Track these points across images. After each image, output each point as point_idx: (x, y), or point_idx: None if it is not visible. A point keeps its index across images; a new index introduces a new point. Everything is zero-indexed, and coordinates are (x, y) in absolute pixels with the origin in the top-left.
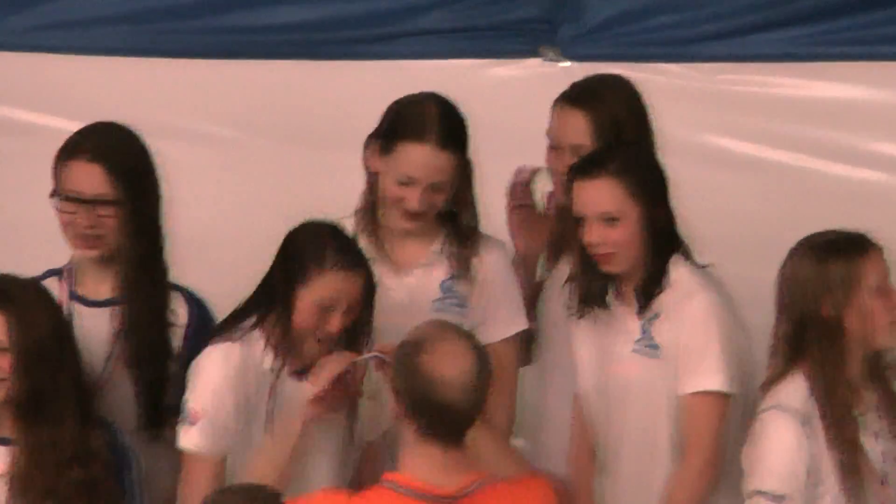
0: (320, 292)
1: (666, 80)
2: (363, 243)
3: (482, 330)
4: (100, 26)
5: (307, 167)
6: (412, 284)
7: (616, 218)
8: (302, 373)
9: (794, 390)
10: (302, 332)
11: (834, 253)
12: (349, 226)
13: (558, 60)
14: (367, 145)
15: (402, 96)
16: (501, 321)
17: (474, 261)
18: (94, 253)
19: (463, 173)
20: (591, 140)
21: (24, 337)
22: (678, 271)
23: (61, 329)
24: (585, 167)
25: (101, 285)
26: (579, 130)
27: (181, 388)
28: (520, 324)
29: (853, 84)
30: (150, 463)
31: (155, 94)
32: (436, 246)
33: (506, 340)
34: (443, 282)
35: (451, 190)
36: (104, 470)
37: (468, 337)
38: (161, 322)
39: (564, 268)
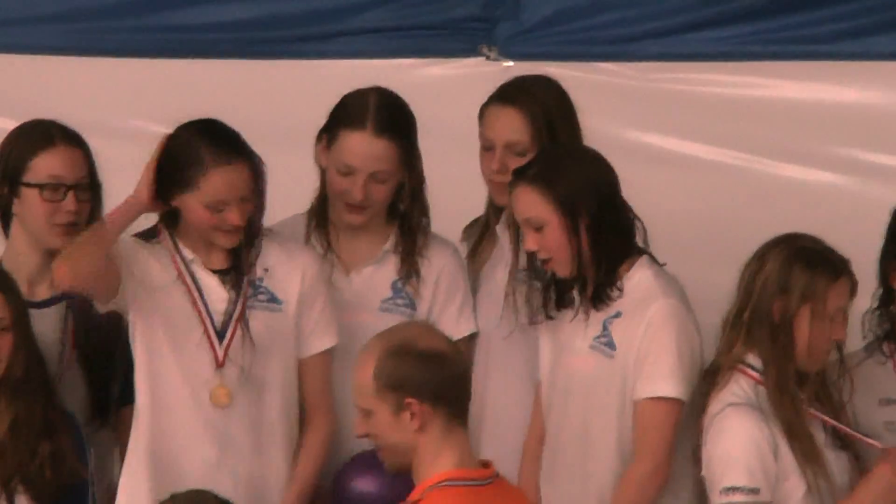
0: (209, 194)
1: (604, 79)
2: (315, 241)
3: None
4: (36, 25)
5: None
6: (362, 282)
7: (540, 224)
8: (218, 272)
9: (741, 388)
10: (206, 232)
11: (807, 262)
12: (301, 224)
13: (499, 60)
14: (317, 141)
15: (343, 95)
16: (450, 324)
17: (425, 261)
18: (66, 241)
19: (409, 166)
20: (526, 136)
21: (22, 316)
22: (641, 274)
23: (25, 310)
24: (513, 175)
25: (39, 286)
26: (513, 127)
27: (128, 380)
28: (469, 327)
29: (790, 82)
30: (99, 451)
31: (92, 93)
32: (387, 245)
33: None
34: (393, 281)
35: (394, 182)
36: (69, 443)
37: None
38: (109, 314)
39: (494, 270)
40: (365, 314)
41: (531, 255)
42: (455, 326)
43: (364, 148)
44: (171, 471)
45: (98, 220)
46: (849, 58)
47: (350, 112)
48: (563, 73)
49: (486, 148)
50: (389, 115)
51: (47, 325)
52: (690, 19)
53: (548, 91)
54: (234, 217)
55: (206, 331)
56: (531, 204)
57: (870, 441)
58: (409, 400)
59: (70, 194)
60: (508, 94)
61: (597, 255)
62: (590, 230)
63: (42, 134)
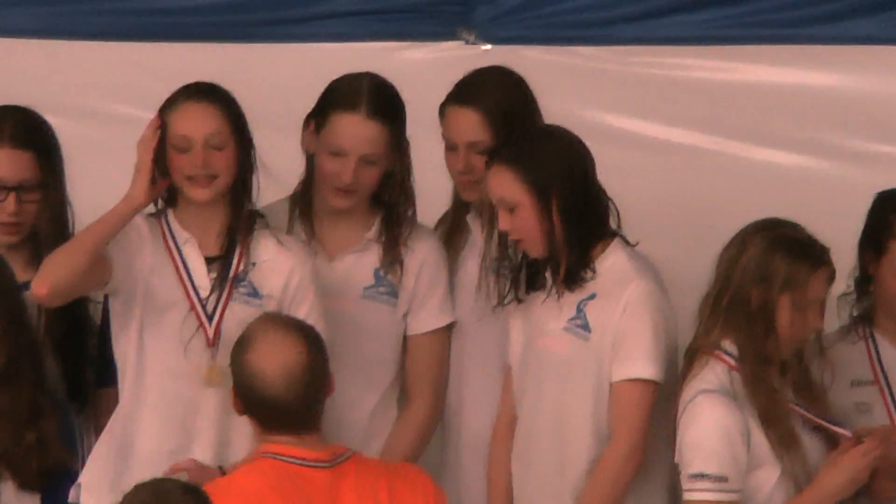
0: (173, 130)
1: (581, 63)
2: (298, 228)
3: (410, 320)
4: (12, 7)
5: None
6: (344, 270)
7: (513, 204)
8: (210, 258)
9: (716, 375)
10: (179, 182)
11: (788, 250)
12: (283, 210)
13: (477, 43)
14: (304, 126)
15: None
16: (429, 313)
17: (408, 251)
18: (14, 239)
19: (397, 153)
20: (486, 135)
21: (9, 302)
22: (616, 256)
23: (18, 290)
24: (489, 155)
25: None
26: (473, 128)
27: (101, 364)
28: (447, 317)
29: (767, 66)
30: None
31: (67, 76)
32: (370, 233)
33: (432, 332)
34: (376, 269)
35: (382, 167)
36: (54, 429)
37: (296, 328)
38: (80, 299)
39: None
40: (347, 302)
41: (503, 236)
42: (436, 316)
43: (356, 130)
44: (134, 457)
45: (53, 218)
46: (826, 42)
47: (343, 95)
48: (541, 56)
49: (450, 148)
50: (383, 99)
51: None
52: (668, 3)
53: (505, 85)
54: (196, 158)
55: (192, 308)
56: (504, 184)
57: (840, 430)
58: (234, 394)
59: (11, 196)
60: (466, 94)
61: (569, 237)
62: (562, 212)
63: None
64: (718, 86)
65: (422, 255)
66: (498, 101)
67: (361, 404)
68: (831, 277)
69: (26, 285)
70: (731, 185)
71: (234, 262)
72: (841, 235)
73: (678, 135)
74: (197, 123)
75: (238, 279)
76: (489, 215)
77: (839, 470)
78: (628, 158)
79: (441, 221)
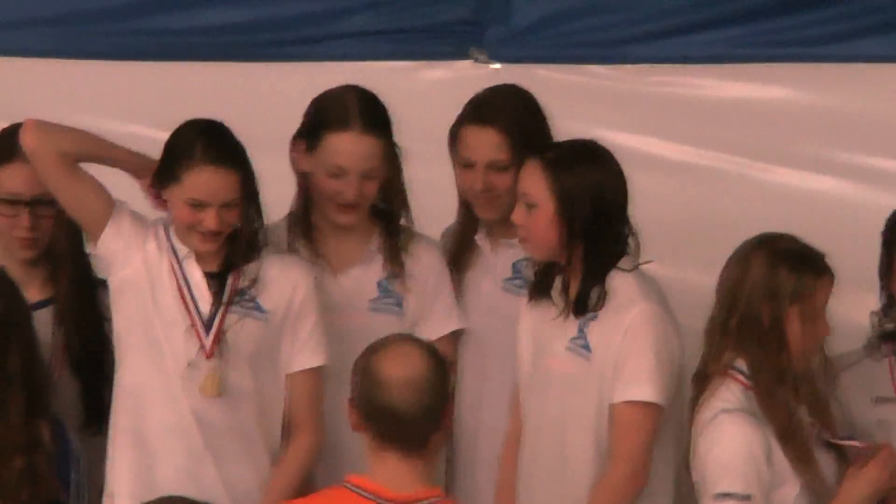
0: (189, 189)
1: (594, 82)
2: (299, 246)
3: (418, 330)
4: (27, 28)
5: None
6: (349, 284)
7: (533, 203)
8: (210, 274)
9: (732, 394)
10: (184, 231)
11: (790, 263)
12: (282, 230)
13: (489, 63)
14: (292, 147)
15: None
16: (434, 321)
17: (411, 259)
18: (31, 254)
19: (391, 161)
20: (505, 153)
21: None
22: (622, 279)
23: (11, 315)
24: (534, 148)
25: (27, 289)
26: (493, 147)
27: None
28: (453, 323)
29: (783, 85)
30: (93, 457)
31: (82, 97)
32: (372, 244)
33: (441, 340)
34: (380, 281)
35: (382, 177)
36: (47, 462)
37: (425, 344)
38: (98, 318)
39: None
40: (355, 315)
41: None
42: (443, 323)
43: (353, 147)
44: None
45: (68, 233)
46: (840, 60)
47: (332, 113)
48: (553, 75)
49: (466, 166)
50: (372, 112)
51: (37, 329)
52: (681, 22)
53: (521, 104)
54: (209, 220)
55: (192, 324)
56: (534, 182)
57: (852, 443)
58: (351, 406)
59: (26, 211)
60: (483, 113)
61: (587, 258)
62: (583, 231)
63: (6, 147)
64: (731, 105)
65: (425, 263)
66: (516, 119)
67: None
68: (832, 283)
69: (41, 304)
70: (745, 205)
71: (232, 277)
72: (858, 255)
73: (691, 154)
74: (212, 189)
75: (241, 294)
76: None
77: (862, 482)
78: (640, 178)
79: (445, 236)
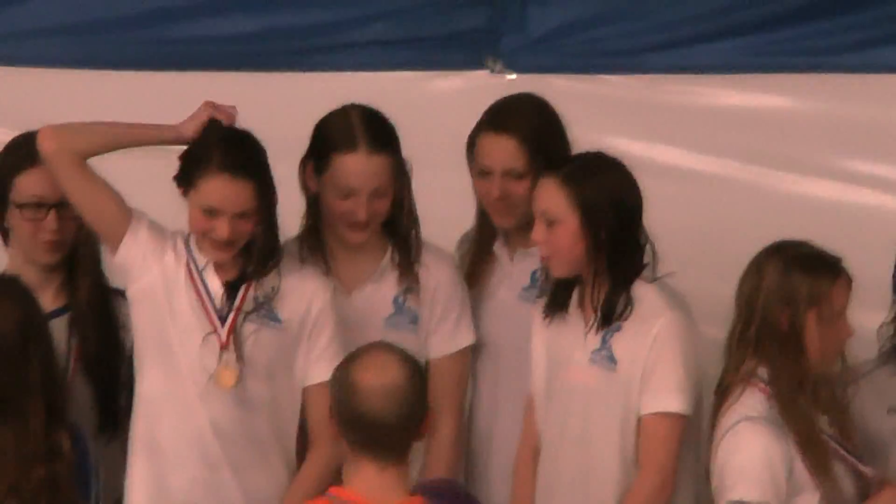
0: (203, 196)
1: (608, 92)
2: (311, 265)
3: (429, 344)
4: (41, 38)
5: None
6: (363, 301)
7: (555, 220)
8: (228, 283)
9: (755, 402)
10: (198, 235)
11: (805, 268)
12: (293, 248)
13: (503, 72)
14: (301, 168)
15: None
16: (447, 336)
17: (423, 273)
18: (56, 258)
19: (399, 176)
20: (522, 161)
21: (21, 333)
22: (644, 289)
23: (30, 324)
24: (549, 166)
25: (42, 296)
26: (510, 154)
27: (132, 390)
28: (466, 339)
29: (796, 95)
30: (107, 463)
31: (98, 107)
32: (384, 260)
33: (451, 356)
34: (395, 298)
35: (391, 195)
36: (68, 470)
37: (402, 353)
38: (113, 326)
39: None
40: (369, 333)
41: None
42: (451, 340)
43: (361, 168)
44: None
45: (89, 237)
46: (855, 70)
47: (338, 135)
48: (568, 85)
49: (483, 174)
50: (377, 130)
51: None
52: (696, 31)
53: (538, 112)
54: (222, 229)
55: (214, 328)
56: (553, 199)
57: (864, 469)
58: (329, 414)
59: (52, 213)
60: (500, 121)
61: (612, 269)
62: (608, 245)
63: (26, 152)
64: (747, 114)
65: (437, 276)
66: (533, 127)
67: None
68: (850, 285)
69: (56, 313)
70: (759, 213)
71: (245, 286)
72: (871, 263)
73: (707, 163)
74: (226, 198)
75: (258, 302)
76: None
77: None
78: (655, 187)
79: (462, 243)
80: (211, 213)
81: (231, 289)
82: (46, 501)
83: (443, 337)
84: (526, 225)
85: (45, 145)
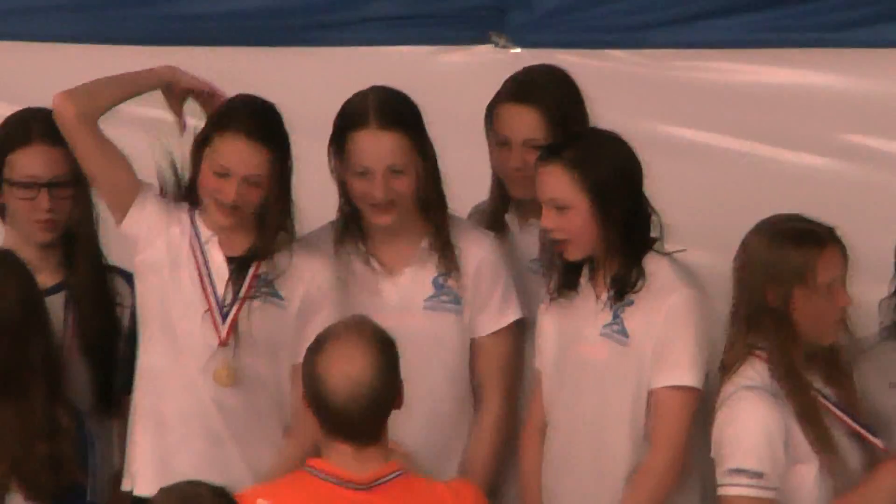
0: (216, 154)
1: (616, 67)
2: (350, 250)
3: (476, 323)
4: (45, 13)
5: None
6: (404, 284)
7: (565, 206)
8: (231, 258)
9: (756, 372)
10: (207, 197)
11: (790, 242)
12: (326, 235)
13: (509, 47)
14: (329, 155)
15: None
16: (490, 314)
17: (464, 254)
18: (50, 237)
19: (422, 157)
20: (543, 131)
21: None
22: (657, 264)
23: (29, 300)
24: (544, 153)
25: (40, 274)
26: (531, 125)
27: (130, 369)
28: (510, 315)
29: (805, 70)
30: (102, 441)
31: None
32: (424, 243)
33: (496, 334)
34: (434, 278)
35: (413, 174)
36: (69, 446)
37: (371, 336)
38: (110, 303)
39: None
40: (410, 315)
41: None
42: (499, 316)
43: (372, 145)
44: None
45: (85, 216)
46: (860, 45)
47: (352, 114)
48: (574, 60)
49: (501, 144)
50: (391, 108)
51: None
52: (702, 7)
53: (558, 83)
54: (229, 189)
55: (209, 310)
56: (560, 185)
57: (873, 440)
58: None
59: (44, 192)
60: (522, 91)
61: (623, 243)
62: (618, 219)
63: (22, 130)
64: (754, 90)
65: (478, 256)
66: (555, 98)
67: (436, 416)
68: (844, 254)
69: (54, 289)
70: (767, 190)
71: (254, 266)
72: (875, 238)
73: (713, 139)
74: (238, 159)
75: (260, 280)
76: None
77: (882, 477)
78: (662, 162)
79: (473, 213)
80: (222, 174)
81: (238, 267)
82: (48, 478)
83: (490, 314)
84: (535, 202)
85: (65, 111)
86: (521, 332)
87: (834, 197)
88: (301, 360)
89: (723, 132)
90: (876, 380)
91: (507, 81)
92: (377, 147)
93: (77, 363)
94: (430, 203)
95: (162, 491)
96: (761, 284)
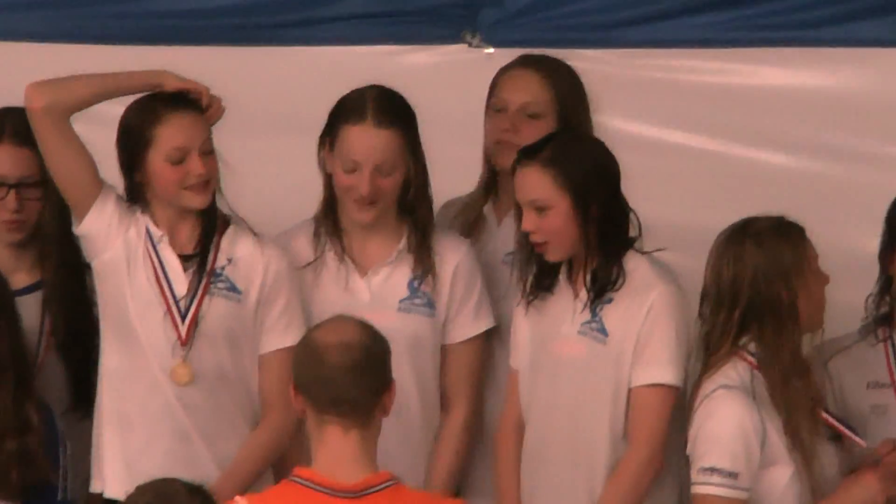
0: (167, 143)
1: (587, 66)
2: (328, 245)
3: (450, 329)
4: (23, 11)
5: (228, 152)
6: (378, 284)
7: (545, 206)
8: (184, 256)
9: (737, 372)
10: (174, 194)
11: (781, 238)
12: (307, 230)
13: (482, 47)
14: (319, 147)
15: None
16: (464, 321)
17: (440, 259)
18: (18, 237)
19: (412, 158)
20: (544, 98)
21: None
22: (636, 262)
23: (10, 300)
24: (521, 155)
25: (16, 273)
26: (532, 89)
27: None
28: (482, 324)
29: (773, 69)
30: (79, 440)
31: None
32: (401, 244)
33: (470, 340)
34: (410, 281)
35: (400, 175)
36: (38, 443)
37: (364, 322)
38: (86, 303)
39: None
40: (383, 315)
41: (523, 236)
42: (473, 323)
43: (366, 140)
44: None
45: (55, 215)
46: (833, 44)
47: (349, 108)
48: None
49: (497, 110)
50: (388, 107)
51: (24, 313)
52: (674, 6)
53: (568, 68)
54: (196, 165)
55: (168, 310)
56: (539, 186)
57: (856, 439)
58: (293, 389)
59: (12, 193)
60: (531, 60)
61: (602, 242)
62: (598, 217)
63: None
64: (724, 89)
65: (454, 261)
66: (560, 70)
67: (404, 419)
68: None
69: (29, 289)
70: (739, 189)
71: (210, 258)
72: (849, 238)
73: (684, 138)
74: (189, 135)
75: (215, 275)
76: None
77: (859, 488)
78: (633, 161)
79: (445, 209)
80: (179, 156)
81: (186, 261)
82: (18, 473)
83: (464, 321)
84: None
85: (34, 101)
86: (491, 339)
87: (807, 196)
88: (265, 350)
89: (694, 131)
90: (853, 379)
91: (517, 57)
92: (370, 143)
93: (53, 362)
94: (415, 206)
95: (138, 489)
96: (774, 284)
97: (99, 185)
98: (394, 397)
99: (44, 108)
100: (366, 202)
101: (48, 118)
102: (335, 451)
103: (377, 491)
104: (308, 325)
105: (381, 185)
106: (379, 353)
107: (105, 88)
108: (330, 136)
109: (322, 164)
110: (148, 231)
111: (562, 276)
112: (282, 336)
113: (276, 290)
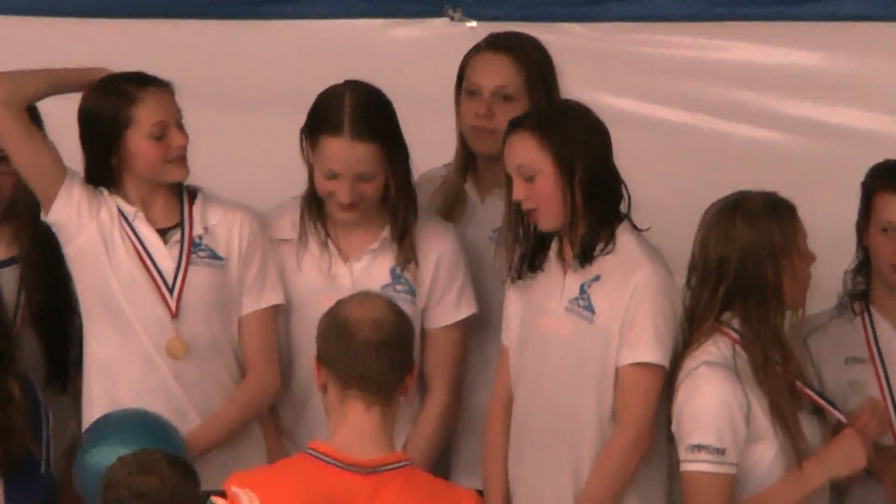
0: (147, 119)
1: (569, 41)
2: (312, 230)
3: (427, 315)
4: None
5: (212, 127)
6: (361, 271)
7: (533, 172)
8: (160, 231)
9: (719, 349)
10: (157, 170)
11: (769, 217)
12: (293, 208)
13: (463, 20)
14: (301, 139)
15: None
16: (446, 308)
17: (424, 246)
18: None
19: (392, 163)
20: (517, 81)
21: None
22: (624, 238)
23: None
24: (510, 126)
25: None
26: (504, 72)
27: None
28: (465, 310)
29: (756, 44)
30: (57, 415)
31: (56, 55)
32: (385, 232)
33: (450, 326)
34: (392, 268)
35: (381, 177)
36: (20, 416)
37: (389, 299)
38: (62, 276)
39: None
40: None
41: (514, 208)
42: (455, 310)
43: (343, 153)
44: None
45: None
46: (813, 19)
47: (326, 116)
48: (528, 33)
49: (471, 93)
50: (365, 117)
51: (2, 287)
52: None
53: (537, 46)
54: (177, 137)
55: (155, 284)
56: (526, 151)
57: (837, 413)
58: (317, 362)
59: None
60: (500, 41)
61: (588, 211)
62: (583, 185)
63: None
64: (706, 63)
65: (438, 249)
66: (530, 52)
67: None
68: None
69: (7, 262)
70: (722, 163)
71: (187, 228)
72: (829, 212)
73: (668, 112)
74: (167, 110)
75: (195, 245)
76: (509, 187)
77: (841, 440)
78: (616, 136)
79: (421, 184)
80: (160, 131)
81: (163, 235)
82: (1, 447)
83: (446, 307)
84: (497, 166)
85: None
86: (480, 322)
87: (788, 170)
88: (245, 311)
89: (675, 106)
90: (831, 355)
91: (485, 37)
92: (347, 156)
93: (29, 336)
94: (397, 205)
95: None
96: (760, 262)
97: (63, 171)
98: (415, 379)
99: (4, 101)
100: (346, 207)
101: (8, 111)
102: (356, 428)
103: (391, 469)
104: (287, 309)
105: (362, 189)
106: (407, 332)
107: (56, 82)
108: (310, 136)
109: (306, 157)
110: (120, 210)
111: (551, 253)
112: (258, 297)
113: (251, 252)
